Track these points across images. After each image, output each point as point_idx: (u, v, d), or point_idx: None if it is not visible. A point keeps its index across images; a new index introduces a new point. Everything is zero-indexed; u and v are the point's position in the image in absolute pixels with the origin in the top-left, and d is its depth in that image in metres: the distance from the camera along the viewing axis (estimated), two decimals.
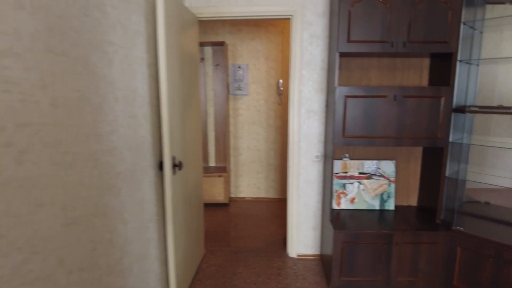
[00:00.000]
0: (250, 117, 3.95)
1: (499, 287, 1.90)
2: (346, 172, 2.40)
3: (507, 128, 2.32)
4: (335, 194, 2.40)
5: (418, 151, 2.42)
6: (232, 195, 4.13)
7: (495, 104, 2.24)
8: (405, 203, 2.50)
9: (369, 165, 2.39)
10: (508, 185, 2.24)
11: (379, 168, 2.39)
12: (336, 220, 2.21)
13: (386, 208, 2.39)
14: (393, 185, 2.39)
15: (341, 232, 2.07)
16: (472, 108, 1.94)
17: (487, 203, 2.45)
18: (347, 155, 2.44)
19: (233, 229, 3.20)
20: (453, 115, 2.03)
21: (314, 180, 2.55)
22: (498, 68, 2.28)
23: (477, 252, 1.95)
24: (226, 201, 3.80)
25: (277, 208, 3.83)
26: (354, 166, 2.40)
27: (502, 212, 2.28)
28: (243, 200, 4.09)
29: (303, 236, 2.65)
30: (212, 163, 4.06)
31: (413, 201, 2.49)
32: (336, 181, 2.40)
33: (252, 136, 3.98)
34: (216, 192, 3.79)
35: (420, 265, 2.10)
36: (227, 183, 3.80)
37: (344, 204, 2.41)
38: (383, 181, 2.38)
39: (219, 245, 2.90)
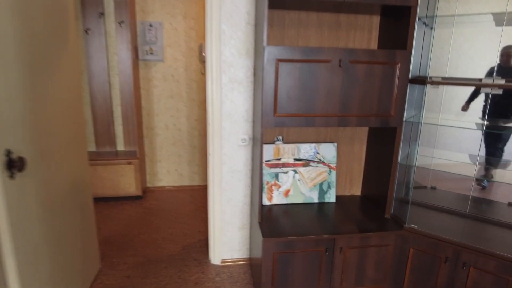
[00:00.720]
0: (167, 90, 3.24)
1: None
2: (279, 159, 1.90)
3: (458, 103, 2.02)
4: (266, 187, 1.91)
5: (363, 132, 2.01)
6: (149, 185, 3.44)
7: (446, 75, 1.90)
8: (347, 193, 2.12)
9: (306, 150, 1.92)
10: (454, 168, 1.97)
11: (318, 153, 1.94)
12: (267, 222, 1.72)
13: (326, 200, 1.98)
14: (334, 173, 1.97)
15: (272, 241, 1.59)
16: (435, 79, 1.54)
17: (434, 188, 2.18)
18: (280, 137, 1.93)
19: (144, 230, 2.57)
20: (408, 87, 1.63)
21: (241, 170, 2.02)
22: (452, 33, 1.93)
23: (432, 254, 1.63)
24: (140, 193, 3.11)
25: (202, 197, 3.27)
26: (288, 151, 1.91)
27: (452, 200, 2.02)
28: (162, 190, 3.44)
29: (229, 238, 2.13)
30: (120, 146, 3.29)
31: (356, 190, 2.12)
32: (267, 170, 1.89)
33: (171, 112, 3.29)
34: (125, 182, 3.07)
35: (368, 272, 1.74)
36: (140, 170, 3.10)
37: (277, 198, 1.93)
38: (322, 168, 1.95)
39: (123, 254, 2.25)
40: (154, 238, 2.45)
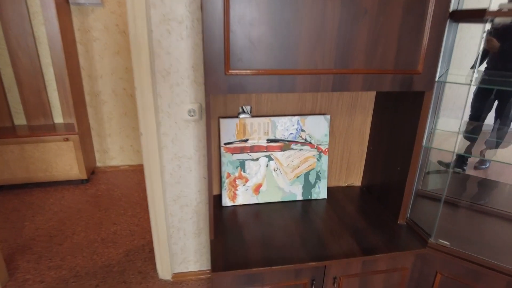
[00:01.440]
0: (112, 44, 2.51)
1: None
2: (245, 140, 1.28)
3: None
4: (226, 182, 1.30)
5: (368, 98, 1.39)
6: (100, 164, 2.82)
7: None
8: (343, 183, 1.53)
9: (286, 126, 1.30)
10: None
11: (303, 130, 1.32)
12: (224, 238, 1.14)
13: (314, 196, 1.39)
14: (325, 158, 1.36)
15: (227, 276, 1.01)
16: (504, 7, 0.89)
17: (459, 172, 1.61)
18: (246, 108, 1.30)
19: (82, 227, 1.99)
20: (447, 26, 0.99)
21: (191, 156, 1.40)
22: None
23: (471, 285, 1.09)
24: (84, 176, 2.50)
25: None
26: (259, 129, 1.28)
27: (509, 199, 1.46)
28: (116, 170, 2.82)
29: (180, 248, 1.57)
30: (58, 118, 2.61)
31: (356, 179, 1.54)
32: (227, 157, 1.28)
33: (119, 74, 2.58)
34: (64, 163, 2.44)
35: None
36: (84, 148, 2.46)
37: (243, 197, 1.33)
38: (309, 151, 1.34)
39: (43, 265, 1.68)
40: (91, 240, 1.88)
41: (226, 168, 1.29)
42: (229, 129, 1.26)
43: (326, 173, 1.38)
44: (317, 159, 1.35)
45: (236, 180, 1.31)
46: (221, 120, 1.24)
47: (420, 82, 1.04)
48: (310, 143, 1.33)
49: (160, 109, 1.30)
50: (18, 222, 2.04)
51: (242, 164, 1.30)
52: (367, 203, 1.39)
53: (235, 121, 1.25)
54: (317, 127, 1.32)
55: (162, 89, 1.27)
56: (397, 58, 1.00)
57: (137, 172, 2.79)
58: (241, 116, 1.29)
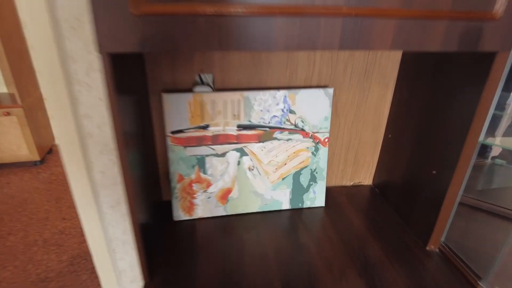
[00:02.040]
0: None
1: None
2: (204, 127, 0.85)
3: None
4: (177, 187, 0.89)
5: (389, 64, 0.93)
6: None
7: None
8: (347, 182, 1.12)
9: (266, 104, 0.86)
10: None
11: (292, 111, 0.88)
12: (168, 275, 0.75)
13: (308, 205, 0.99)
14: (324, 152, 0.94)
15: None
16: None
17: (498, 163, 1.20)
18: (208, 77, 0.85)
19: (22, 223, 1.61)
20: None
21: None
22: None
23: None
24: (37, 157, 2.09)
25: None
26: (225, 109, 0.84)
27: None
28: None
29: (130, 264, 1.19)
30: (1, 87, 2.15)
31: (365, 176, 1.12)
32: (177, 152, 0.85)
33: None
34: (9, 142, 2.02)
35: None
36: (34, 123, 2.03)
37: (203, 208, 0.92)
38: (300, 142, 0.91)
39: None
40: (30, 242, 1.51)
41: (177, 168, 0.87)
42: (178, 110, 0.82)
43: (325, 172, 0.96)
44: (312, 153, 0.93)
45: (193, 184, 0.90)
46: (165, 96, 0.80)
47: (494, 36, 0.59)
48: (302, 130, 0.90)
49: (74, 79, 0.85)
50: None
51: (200, 162, 0.88)
52: (381, 213, 0.99)
53: (187, 97, 0.81)
54: (314, 107, 0.88)
55: (75, 47, 0.82)
56: None
57: None
58: (198, 89, 0.85)
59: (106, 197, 1.03)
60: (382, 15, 0.53)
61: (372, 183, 1.14)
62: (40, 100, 2.16)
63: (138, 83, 0.77)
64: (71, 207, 1.77)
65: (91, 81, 0.86)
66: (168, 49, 0.49)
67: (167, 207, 0.94)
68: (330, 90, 0.88)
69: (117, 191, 1.02)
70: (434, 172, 0.82)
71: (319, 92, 0.87)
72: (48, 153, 2.30)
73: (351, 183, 1.13)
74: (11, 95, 2.05)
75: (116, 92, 0.55)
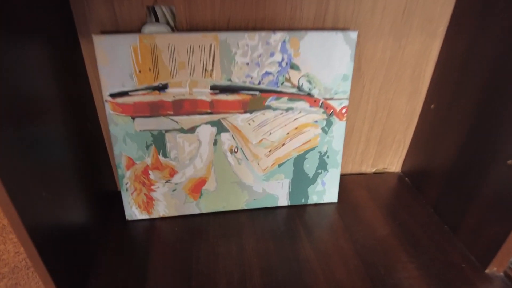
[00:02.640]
0: None
1: None
2: (160, 87, 0.56)
3: None
4: (126, 175, 0.62)
5: (440, 1, 0.62)
6: None
7: None
8: (367, 168, 0.84)
9: (254, 53, 0.57)
10: None
11: (294, 66, 0.58)
12: None
13: (314, 201, 0.71)
14: (340, 127, 0.65)
15: None
16: None
17: None
18: (166, 10, 0.56)
19: None
20: None
21: None
22: None
23: None
24: None
25: None
26: (192, 60, 0.56)
27: None
28: None
29: None
30: None
31: (392, 161, 0.84)
32: (121, 125, 0.58)
33: None
34: None
35: None
36: None
37: (168, 204, 0.66)
38: (306, 113, 0.62)
39: None
40: None
41: (123, 148, 0.60)
42: (118, 60, 0.53)
43: (339, 157, 0.68)
44: (323, 129, 0.64)
45: (150, 172, 0.63)
46: (97, 40, 0.52)
47: None
48: (309, 95, 0.61)
49: None
50: None
51: (158, 140, 0.60)
52: (415, 214, 0.71)
53: (129, 40, 0.52)
54: (328, 59, 0.59)
55: None
56: None
57: None
58: (148, 29, 0.55)
59: None
60: None
61: (401, 169, 0.85)
62: None
63: (53, 19, 0.48)
64: None
65: None
66: None
67: (119, 200, 0.68)
68: (353, 34, 0.58)
69: None
70: (510, 162, 0.53)
71: (337, 36, 0.57)
72: None
73: (373, 170, 0.84)
74: None
75: None
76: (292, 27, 0.61)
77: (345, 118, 0.64)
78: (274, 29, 0.60)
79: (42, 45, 0.44)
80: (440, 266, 0.59)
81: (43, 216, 0.42)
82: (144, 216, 0.66)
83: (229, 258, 0.59)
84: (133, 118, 0.57)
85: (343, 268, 0.58)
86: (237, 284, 0.54)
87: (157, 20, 0.56)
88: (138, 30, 0.57)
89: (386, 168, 0.84)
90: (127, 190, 0.63)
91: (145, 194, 0.64)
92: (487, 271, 0.59)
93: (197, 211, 0.68)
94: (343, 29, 0.62)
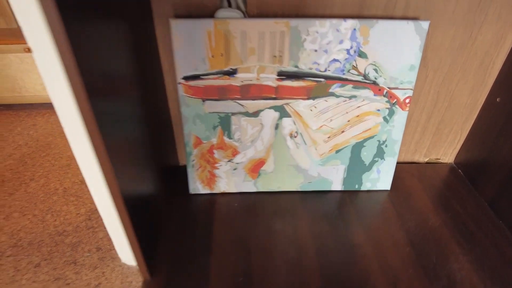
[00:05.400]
0: None
1: None
2: (230, 72, 0.59)
3: None
4: (194, 153, 0.66)
5: None
6: None
7: None
8: (420, 158, 0.84)
9: (323, 41, 0.57)
10: None
11: (362, 54, 0.58)
12: (175, 272, 0.56)
13: (367, 187, 0.73)
14: (402, 117, 0.65)
15: None
16: None
17: None
18: (237, 0, 0.57)
19: (43, 171, 1.52)
20: None
21: None
22: None
23: None
24: None
25: None
26: (262, 46, 0.57)
27: None
28: None
29: None
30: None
31: (446, 152, 0.83)
32: (192, 106, 0.61)
33: None
34: (34, 83, 1.89)
35: None
36: None
37: (227, 181, 0.70)
38: (370, 101, 0.63)
39: None
40: (51, 190, 1.42)
41: (192, 129, 0.64)
42: (193, 45, 0.56)
43: (397, 146, 0.68)
44: (384, 118, 0.65)
45: (215, 151, 0.67)
46: (174, 24, 0.54)
47: None
48: (374, 83, 0.61)
49: None
50: None
51: (224, 122, 0.63)
52: (469, 206, 0.71)
53: (204, 25, 0.55)
54: (397, 49, 0.58)
55: None
56: None
57: None
58: (221, 14, 0.57)
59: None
60: None
61: (455, 161, 0.84)
62: None
63: (133, 2, 0.51)
64: None
65: None
66: None
67: (182, 174, 0.73)
68: (425, 24, 0.57)
69: None
70: None
71: (408, 26, 0.56)
72: None
73: (426, 160, 0.84)
74: None
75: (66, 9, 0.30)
76: (361, 14, 0.60)
77: (407, 108, 0.64)
78: (343, 15, 0.60)
79: (124, 28, 0.47)
80: (494, 262, 0.60)
81: (129, 186, 0.47)
82: (206, 191, 0.71)
83: (285, 236, 0.63)
84: (203, 101, 0.61)
85: (395, 255, 0.60)
86: (294, 262, 0.58)
87: (229, 5, 0.58)
88: (210, 15, 0.59)
89: (439, 159, 0.84)
90: (193, 166, 0.68)
91: (208, 171, 0.69)
92: None
93: (254, 190, 0.72)
94: (414, 17, 0.61)
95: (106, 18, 0.40)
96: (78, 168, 1.54)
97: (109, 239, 1.22)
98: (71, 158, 1.61)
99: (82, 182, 1.47)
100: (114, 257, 1.16)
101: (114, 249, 1.18)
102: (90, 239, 1.22)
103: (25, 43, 1.75)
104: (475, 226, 0.67)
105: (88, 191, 1.42)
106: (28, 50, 1.74)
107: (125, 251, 1.07)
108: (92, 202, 1.37)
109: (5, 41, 1.72)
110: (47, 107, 2.03)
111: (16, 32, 1.87)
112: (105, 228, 1.26)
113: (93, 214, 1.32)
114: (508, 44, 0.65)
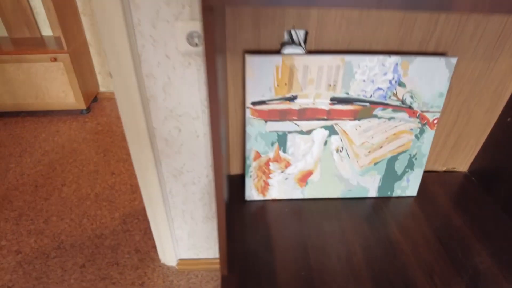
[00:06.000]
0: None
1: None
2: (291, 98, 0.70)
3: None
4: (253, 165, 0.77)
5: None
6: (103, 89, 2.33)
7: None
8: (439, 167, 0.96)
9: (371, 72, 0.68)
10: None
11: (402, 84, 0.70)
12: (245, 271, 0.66)
13: (398, 194, 0.85)
14: (430, 135, 0.77)
15: None
16: None
17: None
18: (299, 34, 0.68)
19: (73, 177, 1.60)
20: None
21: (197, 115, 0.85)
22: None
23: None
24: (83, 106, 2.05)
25: None
26: (319, 77, 0.68)
27: None
28: None
29: (188, 233, 1.13)
30: (46, 30, 2.05)
31: (462, 162, 0.95)
32: (256, 126, 0.72)
33: None
34: (56, 90, 1.97)
35: None
36: (80, 70, 1.95)
37: (279, 189, 0.81)
38: (404, 122, 0.74)
39: (23, 227, 1.34)
40: (83, 195, 1.51)
41: (254, 145, 0.75)
42: (262, 76, 0.67)
43: (425, 159, 0.80)
44: (416, 135, 0.77)
45: (270, 163, 0.77)
46: (248, 58, 0.65)
47: None
48: (410, 107, 0.73)
49: (138, 32, 0.71)
50: (2, 164, 1.69)
51: (281, 139, 0.74)
52: (484, 209, 0.83)
53: (274, 60, 0.65)
54: (429, 79, 0.70)
55: None
56: None
57: None
58: (287, 51, 0.68)
59: (168, 166, 0.94)
60: None
61: (468, 169, 0.97)
62: (84, 45, 2.06)
63: (219, 41, 0.61)
64: (119, 161, 1.74)
65: (156, 34, 0.71)
66: (271, 4, 0.33)
67: (235, 182, 0.83)
68: (454, 60, 0.68)
69: (180, 160, 0.93)
70: None
71: (439, 61, 0.68)
72: (93, 102, 2.26)
73: (444, 169, 0.96)
74: (57, 39, 1.96)
75: (215, 51, 0.41)
76: (401, 49, 0.72)
77: (435, 128, 0.76)
78: (388, 52, 0.72)
79: (219, 61, 0.57)
80: (510, 255, 0.72)
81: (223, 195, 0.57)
82: (260, 197, 0.82)
83: (333, 236, 0.74)
84: (266, 121, 0.71)
85: (427, 250, 0.72)
86: (346, 258, 0.69)
87: (292, 41, 0.69)
88: (275, 49, 0.70)
89: (454, 168, 0.96)
90: (250, 176, 0.78)
91: (263, 180, 0.79)
92: None
93: (301, 196, 0.83)
94: (443, 52, 0.73)
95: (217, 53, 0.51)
96: (106, 174, 1.63)
97: (146, 242, 1.31)
98: (98, 164, 1.69)
99: (112, 187, 1.56)
100: (154, 258, 1.25)
101: (152, 250, 1.28)
102: (128, 241, 1.31)
103: (49, 53, 1.82)
104: (491, 226, 0.79)
105: (119, 196, 1.51)
106: (54, 59, 1.82)
107: (166, 252, 1.17)
108: (125, 207, 1.45)
109: (32, 51, 1.79)
110: (68, 114, 2.10)
111: (40, 41, 1.94)
112: (140, 231, 1.35)
113: (127, 218, 1.41)
114: None
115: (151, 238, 1.33)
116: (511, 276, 0.68)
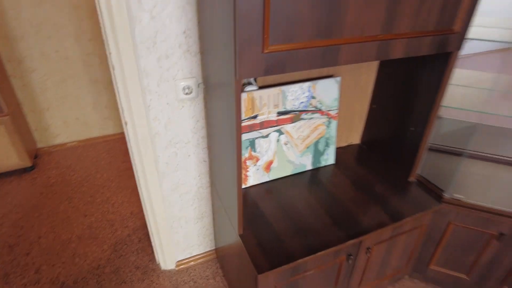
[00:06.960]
0: None
1: (496, 272, 1.25)
2: (254, 117, 1.12)
3: None
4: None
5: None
6: (41, 145, 2.37)
7: None
8: (343, 143, 1.49)
9: (296, 95, 1.16)
10: None
11: (313, 97, 1.19)
12: (252, 230, 1.04)
13: (323, 163, 1.33)
14: (334, 124, 1.28)
15: (272, 274, 0.94)
16: None
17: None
18: (253, 80, 1.11)
19: (46, 227, 1.70)
20: None
21: (189, 139, 1.20)
22: None
23: (479, 230, 1.18)
24: (29, 163, 2.09)
25: (124, 152, 2.38)
26: (269, 102, 1.12)
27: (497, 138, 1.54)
28: (63, 148, 2.42)
29: (183, 236, 1.43)
30: None
31: (355, 137, 1.50)
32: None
33: (46, 32, 2.05)
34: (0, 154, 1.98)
35: (392, 262, 1.26)
36: (19, 130, 2.01)
37: (254, 177, 1.21)
38: (319, 119, 1.24)
39: (16, 284, 1.42)
40: (65, 240, 1.63)
41: None
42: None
43: (335, 139, 1.31)
44: (326, 126, 1.27)
45: (247, 161, 1.18)
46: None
47: (454, 42, 0.96)
48: (320, 110, 1.22)
49: (147, 90, 1.04)
50: None
51: (252, 143, 1.15)
52: (372, 162, 1.38)
53: (243, 96, 1.07)
54: (328, 92, 1.21)
55: (148, 64, 1.00)
56: (438, 17, 0.89)
57: (89, 147, 2.43)
58: (248, 88, 1.10)
59: (168, 183, 1.25)
60: (399, 36, 0.86)
61: (360, 141, 1.52)
62: (17, 105, 2.10)
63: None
64: (86, 203, 1.88)
65: (160, 91, 1.06)
66: (279, 72, 0.76)
67: None
68: (339, 79, 1.21)
69: (177, 176, 1.25)
70: (412, 128, 1.21)
71: (332, 81, 1.19)
72: (35, 158, 2.29)
73: (346, 144, 1.50)
74: None
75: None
76: (310, 76, 1.21)
77: (337, 119, 1.27)
78: (303, 80, 1.20)
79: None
80: (391, 183, 1.26)
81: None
82: (243, 186, 1.21)
83: (297, 198, 1.17)
84: (242, 133, 1.12)
85: (350, 191, 1.21)
86: (309, 207, 1.13)
87: (248, 83, 1.11)
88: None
89: (352, 142, 1.50)
90: None
91: (243, 174, 1.18)
92: (409, 179, 1.27)
93: (267, 179, 1.24)
94: (332, 75, 1.25)
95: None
96: (79, 217, 1.77)
97: (141, 259, 1.55)
98: (66, 211, 1.82)
99: (90, 226, 1.72)
100: (153, 268, 1.50)
101: (150, 264, 1.52)
102: (125, 263, 1.52)
103: None
104: (381, 171, 1.33)
105: (100, 232, 1.68)
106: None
107: (166, 258, 1.45)
108: (110, 238, 1.64)
109: None
110: (12, 174, 2.11)
111: None
112: (133, 253, 1.57)
113: (117, 246, 1.61)
114: (372, 79, 1.34)
115: (145, 255, 1.55)
116: (393, 192, 1.21)
